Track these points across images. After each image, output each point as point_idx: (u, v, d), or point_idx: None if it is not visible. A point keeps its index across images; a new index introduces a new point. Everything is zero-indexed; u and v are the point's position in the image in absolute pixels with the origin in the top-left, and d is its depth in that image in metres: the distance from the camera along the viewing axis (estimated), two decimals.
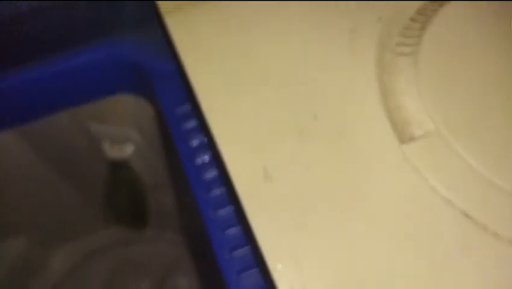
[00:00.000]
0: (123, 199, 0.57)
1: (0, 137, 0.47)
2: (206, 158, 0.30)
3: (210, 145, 0.30)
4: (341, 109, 0.26)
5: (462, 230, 0.22)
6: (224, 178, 0.28)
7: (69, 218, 0.74)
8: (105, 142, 0.53)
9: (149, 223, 0.73)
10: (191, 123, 0.31)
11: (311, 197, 0.23)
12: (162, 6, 0.30)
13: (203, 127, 0.30)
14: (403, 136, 0.25)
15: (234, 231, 0.27)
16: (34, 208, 0.68)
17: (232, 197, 0.27)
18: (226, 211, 0.28)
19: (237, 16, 0.31)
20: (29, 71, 0.34)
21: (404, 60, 0.27)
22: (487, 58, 0.28)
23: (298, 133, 0.25)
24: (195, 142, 0.30)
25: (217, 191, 0.28)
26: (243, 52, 0.29)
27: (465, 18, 0.30)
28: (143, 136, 0.52)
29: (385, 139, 0.24)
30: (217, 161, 0.28)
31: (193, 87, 0.29)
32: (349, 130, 0.25)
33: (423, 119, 0.25)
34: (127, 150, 0.53)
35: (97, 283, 0.78)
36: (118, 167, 0.54)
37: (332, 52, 0.28)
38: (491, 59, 0.28)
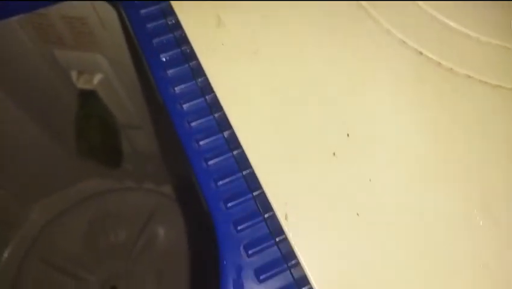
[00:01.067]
0: (94, 131, 0.56)
1: None
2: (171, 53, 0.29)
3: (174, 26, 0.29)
4: None
5: (417, 66, 0.22)
6: (191, 73, 0.27)
7: (48, 168, 0.73)
8: (72, 72, 0.52)
9: (126, 167, 0.72)
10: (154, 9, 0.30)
11: (261, 42, 0.22)
12: None
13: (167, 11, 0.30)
14: None
15: (193, 103, 0.26)
16: (9, 158, 0.67)
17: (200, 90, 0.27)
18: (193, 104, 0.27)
19: None
20: None
21: None
22: None
23: None
24: (159, 40, 0.29)
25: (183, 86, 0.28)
26: None
27: None
28: (111, 64, 0.51)
29: None
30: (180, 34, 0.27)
31: None
32: None
33: None
34: (95, 79, 0.52)
35: (77, 234, 0.78)
36: (87, 97, 0.53)
37: None
38: None
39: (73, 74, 0.51)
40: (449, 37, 0.23)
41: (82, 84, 0.51)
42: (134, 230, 0.77)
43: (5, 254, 0.75)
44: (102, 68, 0.50)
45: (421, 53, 0.22)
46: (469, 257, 0.18)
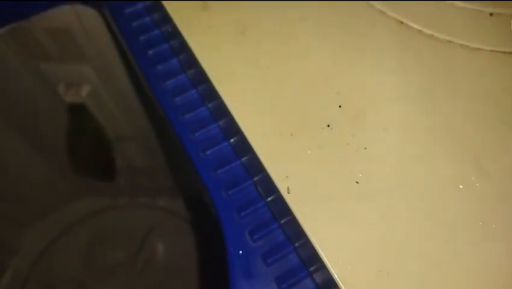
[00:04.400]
0: (86, 145, 0.56)
1: None
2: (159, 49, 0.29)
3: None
4: None
5: (398, 34, 0.23)
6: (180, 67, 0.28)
7: (41, 189, 0.72)
8: (60, 85, 0.51)
9: (120, 184, 0.72)
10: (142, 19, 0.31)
11: (249, 21, 0.23)
12: None
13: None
14: None
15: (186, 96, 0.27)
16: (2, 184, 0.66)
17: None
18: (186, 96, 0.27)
19: None
20: None
21: None
22: None
23: None
24: (146, 36, 0.30)
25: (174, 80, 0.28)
26: None
27: None
28: (98, 75, 0.51)
29: None
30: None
31: None
32: None
33: None
34: (83, 92, 0.51)
35: (75, 256, 0.76)
36: (76, 111, 0.53)
37: None
38: None
39: (61, 88, 0.51)
40: (427, 4, 0.24)
41: (70, 97, 0.51)
42: (132, 248, 0.76)
43: (5, 281, 0.73)
44: (90, 79, 0.50)
45: (401, 22, 0.23)
46: (467, 215, 0.19)
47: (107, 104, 0.55)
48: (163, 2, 0.24)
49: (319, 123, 0.21)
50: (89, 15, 0.39)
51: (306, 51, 0.22)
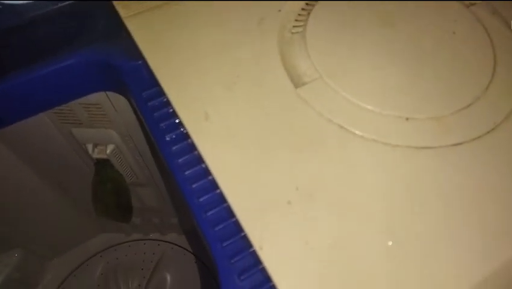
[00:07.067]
0: (109, 193, 0.65)
1: None
2: (169, 122, 0.40)
3: (172, 113, 0.40)
4: (255, 70, 0.37)
5: (339, 136, 0.33)
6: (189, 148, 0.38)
7: (62, 227, 0.82)
8: (88, 145, 0.62)
9: (133, 221, 0.81)
10: (157, 101, 0.42)
11: (236, 131, 0.33)
12: (122, 12, 0.42)
13: (167, 103, 0.41)
14: (298, 83, 0.36)
15: (193, 171, 0.37)
16: (28, 220, 0.75)
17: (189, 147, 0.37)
18: (186, 158, 0.38)
19: (180, 16, 0.42)
20: (26, 73, 0.43)
21: (297, 36, 0.39)
22: (354, 29, 0.40)
23: (227, 87, 0.36)
24: (160, 114, 0.40)
25: (180, 146, 0.38)
26: (187, 40, 0.40)
27: (337, 4, 0.42)
28: (121, 137, 0.62)
29: (285, 86, 0.35)
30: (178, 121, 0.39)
31: (151, 68, 0.39)
32: (261, 83, 0.36)
33: (311, 71, 0.36)
34: (108, 150, 0.62)
35: (93, 285, 0.85)
36: (101, 165, 0.63)
37: (249, 34, 0.39)
38: (357, 29, 0.40)
39: (89, 146, 0.62)
40: (360, 113, 0.34)
41: (97, 154, 0.61)
42: (144, 278, 0.85)
43: None
44: (114, 140, 0.61)
45: (342, 126, 0.33)
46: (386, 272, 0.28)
47: (126, 158, 0.65)
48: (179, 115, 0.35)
49: (282, 200, 0.30)
50: (118, 97, 0.50)
51: (266, 152, 0.33)
